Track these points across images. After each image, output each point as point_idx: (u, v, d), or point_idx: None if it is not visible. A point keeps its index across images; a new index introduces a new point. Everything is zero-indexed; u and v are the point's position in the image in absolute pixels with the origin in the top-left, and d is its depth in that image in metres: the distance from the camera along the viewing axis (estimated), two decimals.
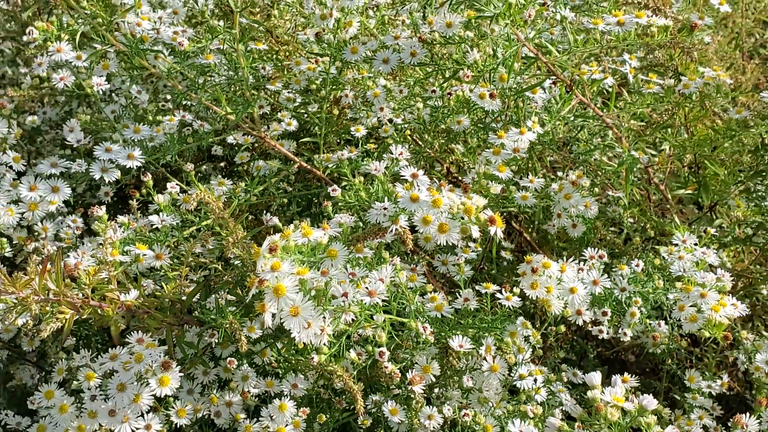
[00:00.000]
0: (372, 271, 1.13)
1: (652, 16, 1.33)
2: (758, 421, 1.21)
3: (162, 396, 1.15)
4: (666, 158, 1.69)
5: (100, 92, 1.48)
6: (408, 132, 1.67)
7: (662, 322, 1.43)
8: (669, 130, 1.70)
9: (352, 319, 1.11)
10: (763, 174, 1.57)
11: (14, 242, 1.39)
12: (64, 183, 1.39)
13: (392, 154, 1.40)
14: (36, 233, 1.40)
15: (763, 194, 1.59)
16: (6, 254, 1.35)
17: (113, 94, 1.67)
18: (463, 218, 1.03)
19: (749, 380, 1.49)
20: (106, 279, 1.14)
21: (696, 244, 1.37)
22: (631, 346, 1.82)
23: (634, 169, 1.59)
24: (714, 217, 1.72)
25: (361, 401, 1.17)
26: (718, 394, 1.50)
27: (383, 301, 1.13)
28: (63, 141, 1.60)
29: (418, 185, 1.11)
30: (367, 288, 1.10)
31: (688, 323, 1.21)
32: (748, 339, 1.46)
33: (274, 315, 0.97)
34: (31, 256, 1.22)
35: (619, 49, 1.70)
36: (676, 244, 1.36)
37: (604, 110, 1.53)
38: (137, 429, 1.14)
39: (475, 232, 1.05)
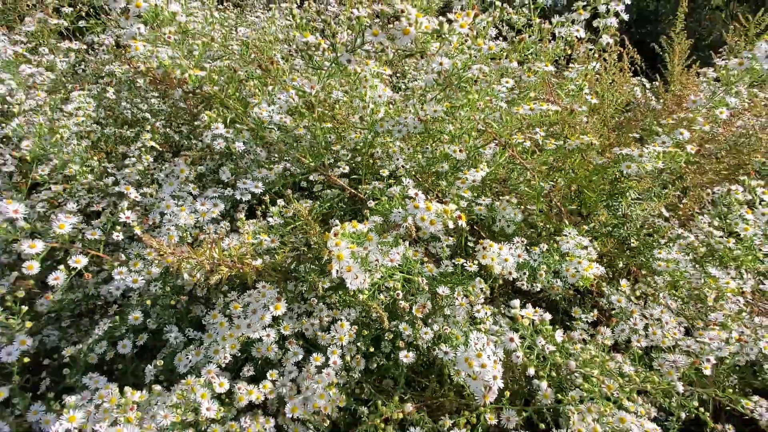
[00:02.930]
0: (392, 249, 1.19)
1: (550, 105, 1.39)
2: (612, 332, 1.26)
3: (276, 316, 1.22)
4: (560, 187, 1.74)
5: (239, 151, 1.56)
6: (413, 173, 1.73)
7: (558, 281, 1.48)
8: (562, 171, 1.75)
9: (381, 276, 1.17)
10: (616, 196, 1.62)
11: (191, 234, 1.44)
12: (220, 201, 1.47)
13: (404, 183, 1.47)
14: (205, 230, 1.46)
15: (617, 208, 1.64)
16: (188, 241, 1.41)
17: (247, 152, 1.74)
18: (443, 216, 1.10)
19: (610, 314, 1.53)
20: (245, 253, 1.21)
21: (577, 235, 1.41)
22: (544, 297, 1.86)
23: (542, 194, 1.64)
24: (589, 221, 1.77)
25: (387, 323, 1.23)
26: (591, 321, 1.54)
27: (399, 265, 1.19)
28: (219, 179, 1.67)
29: (418, 200, 1.18)
30: (389, 258, 1.17)
31: (571, 278, 1.26)
32: (607, 289, 1.51)
33: (337, 271, 1.04)
34: (203, 241, 1.31)
35: (534, 124, 1.77)
36: (566, 235, 1.40)
37: (525, 159, 1.59)
38: (262, 335, 1.22)
39: (450, 224, 1.12)
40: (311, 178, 1.71)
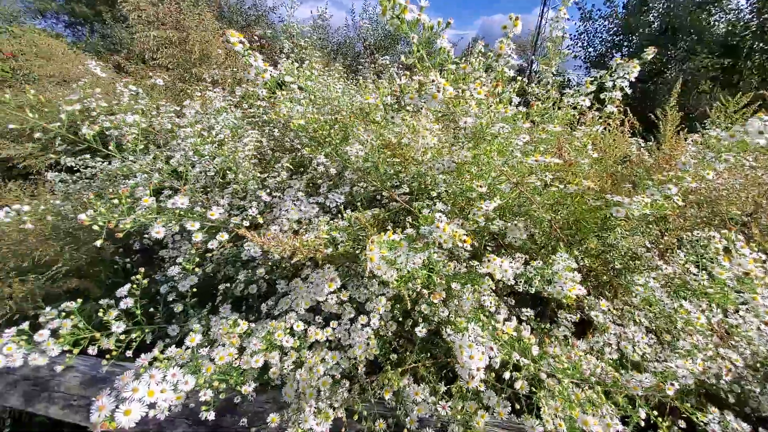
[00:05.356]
0: (417, 254, 0.97)
1: (553, 158, 1.06)
2: (589, 345, 0.93)
3: (333, 290, 1.05)
4: (561, 218, 1.38)
5: (333, 173, 1.39)
6: (453, 196, 1.47)
7: (550, 287, 1.16)
8: (564, 205, 1.39)
9: (407, 272, 0.96)
10: (605, 230, 1.24)
11: (296, 225, 1.29)
12: (317, 206, 1.31)
13: (437, 206, 1.23)
14: (302, 223, 1.31)
15: (605, 238, 1.26)
16: (294, 229, 1.28)
17: (339, 175, 1.55)
18: (453, 238, 0.86)
19: (590, 319, 1.18)
20: (319, 243, 1.06)
21: (567, 258, 1.08)
22: (537, 294, 1.52)
23: (545, 222, 1.31)
24: (582, 244, 1.39)
25: (410, 305, 1.02)
26: (574, 321, 1.20)
27: (421, 267, 0.97)
28: (319, 192, 1.52)
29: (438, 222, 0.94)
30: (413, 261, 0.95)
31: (556, 294, 0.95)
32: (588, 300, 1.15)
33: (370, 268, 0.85)
34: (298, 232, 1.17)
35: (543, 170, 1.42)
36: (559, 257, 1.08)
37: (533, 196, 1.27)
38: (325, 299, 1.06)
39: (460, 244, 0.87)
40: (384, 195, 1.51)
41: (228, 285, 1.35)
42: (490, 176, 1.17)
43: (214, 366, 0.85)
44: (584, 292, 0.91)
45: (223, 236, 1.14)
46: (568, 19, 1.14)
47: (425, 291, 1.04)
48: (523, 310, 1.16)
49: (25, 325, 0.85)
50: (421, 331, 1.03)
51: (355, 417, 0.91)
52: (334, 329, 1.12)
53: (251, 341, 0.98)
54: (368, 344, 1.05)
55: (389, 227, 1.36)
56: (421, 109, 0.96)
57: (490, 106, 0.92)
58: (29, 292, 1.44)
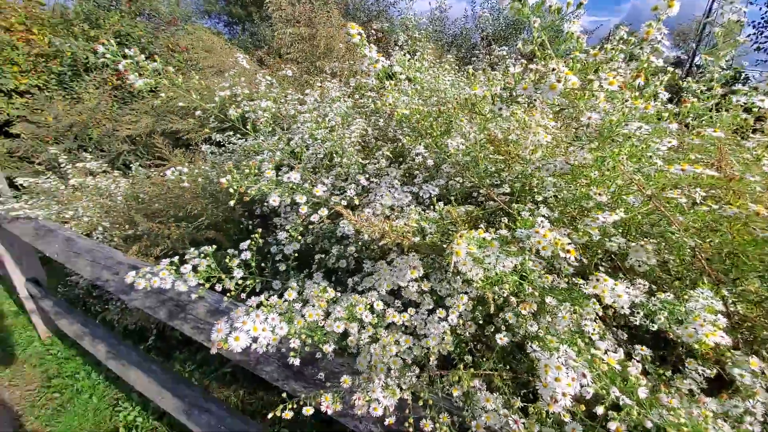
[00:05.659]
0: (507, 257, 0.91)
1: (706, 170, 0.86)
2: (722, 406, 0.74)
3: (415, 278, 1.07)
4: (711, 247, 1.11)
5: (429, 165, 1.40)
6: (563, 203, 1.32)
7: (679, 328, 0.95)
8: (717, 232, 1.11)
9: (495, 274, 0.91)
10: None
11: (389, 210, 1.35)
12: (410, 195, 1.34)
13: (541, 211, 1.12)
14: (395, 209, 1.36)
15: None
16: (386, 214, 1.33)
17: (436, 167, 1.54)
18: (554, 246, 0.78)
19: (731, 379, 0.93)
20: (408, 230, 1.09)
21: (711, 297, 0.87)
22: (660, 332, 1.25)
23: (686, 248, 1.07)
24: (737, 285, 1.09)
25: (493, 308, 0.97)
26: (706, 377, 0.96)
27: (514, 270, 0.91)
28: (414, 181, 1.54)
29: (539, 227, 0.86)
30: (503, 264, 0.89)
31: (687, 337, 0.78)
32: (733, 357, 0.91)
33: (455, 263, 0.84)
34: (389, 217, 1.22)
35: (692, 184, 1.16)
36: (700, 293, 0.88)
37: (673, 214, 1.05)
38: (406, 285, 1.08)
39: (562, 253, 0.79)
40: (480, 192, 1.45)
41: (323, 256, 1.50)
42: (615, 184, 1.02)
43: (304, 321, 0.97)
44: (728, 341, 0.73)
45: (324, 212, 1.27)
46: (750, 2, 0.89)
47: (513, 299, 0.98)
48: (637, 347, 0.99)
49: (176, 259, 1.12)
50: (502, 338, 0.97)
51: (420, 402, 0.92)
52: (411, 316, 1.15)
53: (336, 308, 1.08)
54: (443, 338, 1.05)
55: (482, 226, 1.31)
56: (536, 102, 0.88)
57: (626, 100, 0.79)
58: (181, 236, 1.88)
